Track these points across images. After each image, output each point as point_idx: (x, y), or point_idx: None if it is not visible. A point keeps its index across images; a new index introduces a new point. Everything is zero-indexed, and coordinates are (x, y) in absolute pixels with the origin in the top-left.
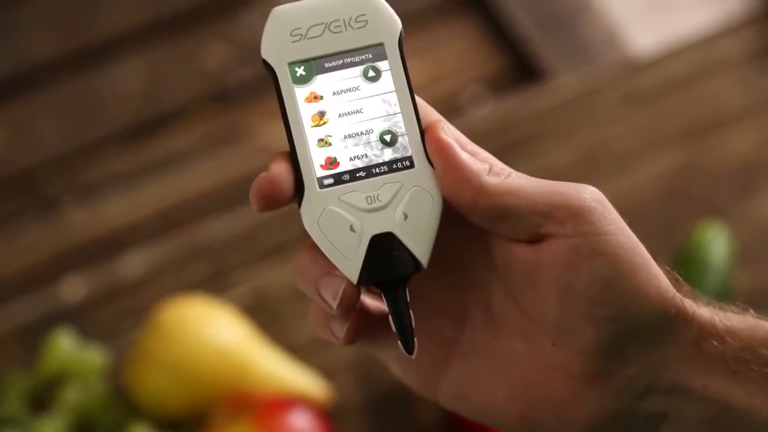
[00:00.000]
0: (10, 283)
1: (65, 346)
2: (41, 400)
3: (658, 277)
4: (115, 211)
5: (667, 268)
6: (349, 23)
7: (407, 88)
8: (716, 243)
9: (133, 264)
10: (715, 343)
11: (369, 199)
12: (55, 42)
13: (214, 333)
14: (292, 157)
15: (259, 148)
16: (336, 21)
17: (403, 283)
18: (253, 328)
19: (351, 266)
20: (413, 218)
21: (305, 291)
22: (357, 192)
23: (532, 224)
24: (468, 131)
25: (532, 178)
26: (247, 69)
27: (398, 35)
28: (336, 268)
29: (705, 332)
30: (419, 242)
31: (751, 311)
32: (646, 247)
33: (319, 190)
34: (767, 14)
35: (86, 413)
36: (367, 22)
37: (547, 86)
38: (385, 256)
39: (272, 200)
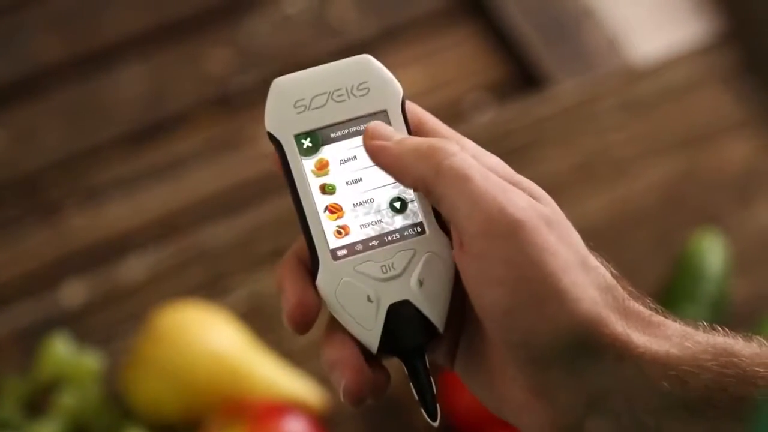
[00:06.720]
0: (10, 287)
1: (61, 351)
2: (37, 404)
3: (575, 308)
4: (116, 215)
5: (629, 288)
6: (351, 91)
7: None
8: (712, 251)
9: (134, 268)
10: (665, 384)
11: (384, 268)
12: (59, 46)
13: (209, 338)
14: (303, 229)
15: (260, 154)
16: (338, 90)
17: (421, 350)
18: (248, 334)
19: (370, 337)
20: (428, 284)
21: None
22: (372, 262)
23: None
24: (470, 138)
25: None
26: (249, 75)
27: (400, 100)
28: (346, 358)
29: (654, 371)
30: (435, 308)
31: (736, 337)
32: (642, 255)
33: (333, 262)
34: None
35: (82, 417)
36: (369, 89)
37: (547, 93)
38: (402, 325)
39: (309, 325)
